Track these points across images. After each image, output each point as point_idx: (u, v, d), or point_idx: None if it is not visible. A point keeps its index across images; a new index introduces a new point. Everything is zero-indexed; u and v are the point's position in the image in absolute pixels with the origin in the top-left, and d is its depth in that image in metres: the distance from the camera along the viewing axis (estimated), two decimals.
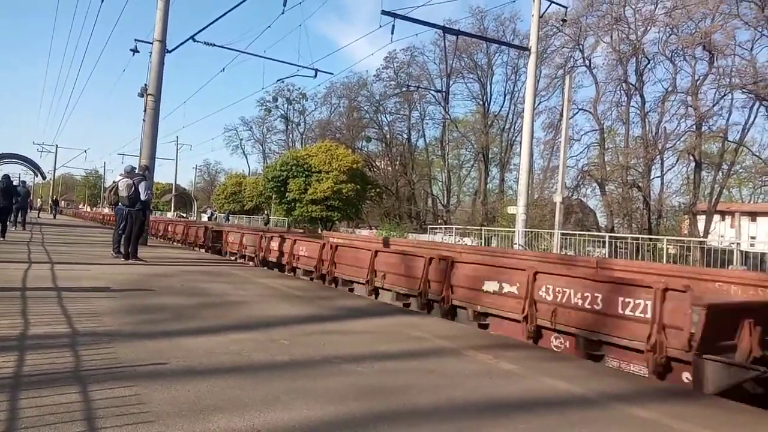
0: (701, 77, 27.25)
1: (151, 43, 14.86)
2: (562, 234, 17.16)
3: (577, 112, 32.11)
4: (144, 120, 14.54)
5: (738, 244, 20.54)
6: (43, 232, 18.63)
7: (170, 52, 15.36)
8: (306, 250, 9.78)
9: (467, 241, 22.50)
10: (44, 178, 54.31)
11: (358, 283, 7.88)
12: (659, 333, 3.91)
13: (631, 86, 30.08)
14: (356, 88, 49.47)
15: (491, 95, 43.77)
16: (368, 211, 44.91)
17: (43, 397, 2.48)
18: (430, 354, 3.96)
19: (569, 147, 28.26)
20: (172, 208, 57.11)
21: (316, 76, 18.38)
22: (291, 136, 60.86)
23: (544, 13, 17.07)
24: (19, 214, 19.05)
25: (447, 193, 46.99)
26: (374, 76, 46.48)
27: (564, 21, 23.52)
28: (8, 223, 14.61)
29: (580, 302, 4.57)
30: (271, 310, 5.48)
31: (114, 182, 10.32)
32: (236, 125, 66.50)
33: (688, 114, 27.64)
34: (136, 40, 16.88)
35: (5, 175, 13.99)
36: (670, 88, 28.73)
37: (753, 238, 35.11)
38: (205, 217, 45.60)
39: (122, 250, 9.82)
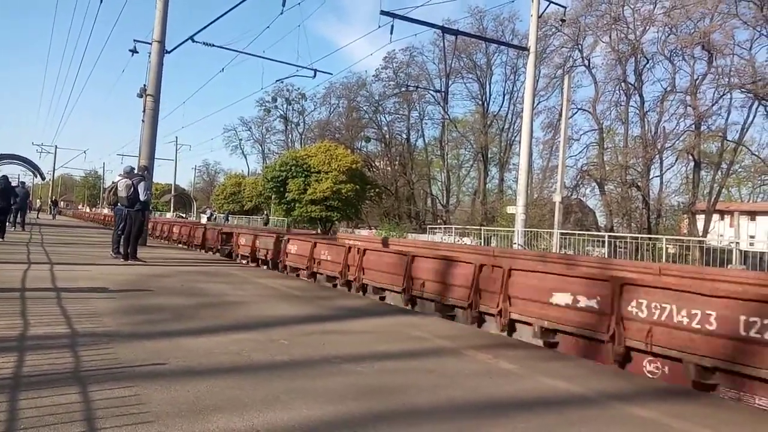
0: (700, 77, 27.31)
1: (150, 44, 14.86)
2: (562, 233, 17.16)
3: (576, 112, 32.21)
4: (143, 120, 14.54)
5: (737, 243, 20.55)
6: (43, 232, 18.61)
7: (169, 52, 15.36)
8: (329, 254, 9.07)
9: (467, 240, 22.50)
10: (43, 178, 54.29)
11: (392, 291, 7.23)
12: None
13: (630, 86, 30.11)
14: (355, 89, 49.51)
15: (490, 95, 43.89)
16: (368, 211, 44.89)
17: (43, 397, 2.48)
18: (430, 354, 3.96)
19: (568, 147, 28.32)
20: (172, 209, 57.08)
21: (315, 76, 18.43)
22: (290, 136, 60.90)
23: (543, 13, 17.08)
24: (18, 215, 19.04)
25: (446, 193, 46.99)
26: (373, 76, 46.53)
27: (563, 21, 23.54)
28: (7, 223, 14.60)
29: (686, 321, 3.88)
30: (271, 310, 5.48)
31: (113, 183, 10.31)
32: (235, 125, 66.66)
33: (687, 113, 27.70)
34: (135, 40, 16.92)
35: (3, 175, 14.00)
36: (669, 88, 28.81)
37: (752, 237, 35.16)
38: (204, 218, 45.53)
39: (121, 250, 9.81)
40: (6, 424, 2.17)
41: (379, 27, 14.62)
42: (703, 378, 3.81)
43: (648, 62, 29.36)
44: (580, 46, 32.08)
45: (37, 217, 35.93)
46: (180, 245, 17.94)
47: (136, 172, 10.61)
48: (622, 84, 30.31)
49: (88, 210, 70.36)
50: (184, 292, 6.35)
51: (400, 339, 4.43)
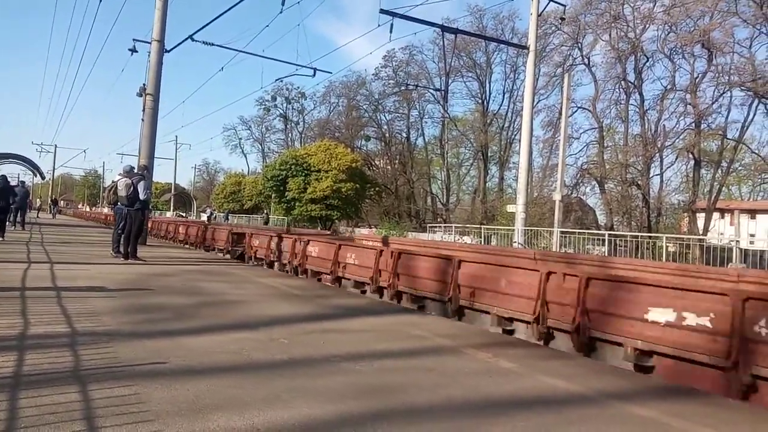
0: (700, 75, 27.31)
1: (150, 43, 14.84)
2: (562, 232, 17.17)
3: (576, 111, 32.21)
4: (143, 120, 14.53)
5: (737, 241, 20.53)
6: (43, 232, 18.61)
7: (169, 51, 15.35)
8: (357, 258, 8.35)
9: (467, 239, 22.50)
10: (43, 178, 54.33)
11: (434, 300, 6.55)
12: None
13: (630, 84, 30.11)
14: (355, 87, 49.52)
15: (490, 94, 43.86)
16: (367, 210, 44.93)
17: (43, 396, 2.48)
18: (430, 352, 3.96)
19: (568, 145, 28.34)
20: (172, 208, 57.10)
21: (314, 75, 18.43)
22: (290, 135, 60.91)
23: (542, 11, 17.08)
24: (18, 214, 19.05)
25: (446, 192, 46.99)
26: (373, 75, 46.61)
27: (563, 19, 23.49)
28: (7, 222, 14.60)
29: None
30: (271, 309, 5.48)
31: (113, 182, 10.31)
32: (235, 124, 66.65)
33: (687, 112, 27.68)
34: (134, 39, 16.89)
35: (2, 175, 14.00)
36: (669, 86, 28.80)
37: (752, 235, 35.17)
38: (204, 217, 45.55)
39: (122, 249, 9.82)
40: (6, 423, 2.17)
41: (379, 26, 14.65)
42: None
43: (648, 60, 29.38)
44: (579, 45, 32.10)
45: (37, 217, 35.93)
46: (182, 245, 17.91)
47: (135, 171, 10.61)
48: (622, 82, 30.30)
49: (88, 209, 70.35)
50: (184, 291, 6.35)
51: (400, 338, 4.43)
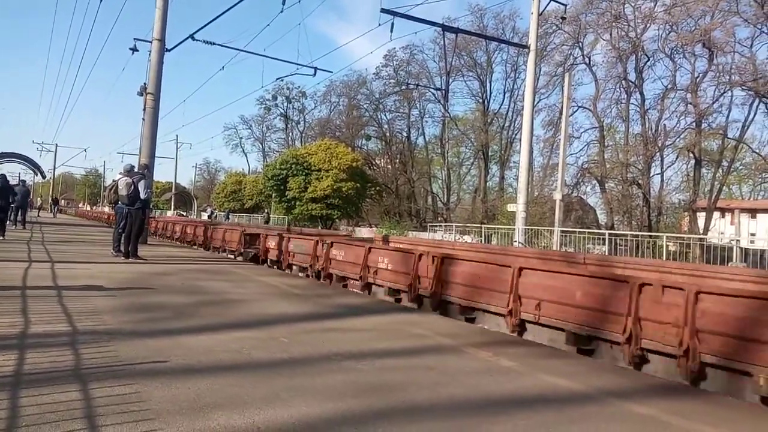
0: (701, 74, 27.25)
1: (150, 42, 14.84)
2: (562, 231, 17.17)
3: (576, 110, 32.15)
4: (143, 119, 14.54)
5: (738, 241, 20.52)
6: (43, 231, 18.62)
7: (169, 50, 15.35)
8: (389, 262, 7.68)
9: (467, 238, 22.50)
10: (44, 177, 54.40)
11: (488, 312, 5.80)
12: None
13: (630, 83, 30.06)
14: (356, 87, 49.43)
15: (491, 93, 43.72)
16: (368, 209, 44.91)
17: (44, 395, 2.49)
18: (431, 351, 3.96)
19: (569, 144, 28.31)
20: (172, 207, 57.13)
21: (315, 74, 18.40)
22: (291, 134, 60.84)
23: (543, 10, 17.07)
24: (19, 213, 19.06)
25: (447, 191, 46.95)
26: (374, 74, 46.42)
27: (563, 18, 23.50)
28: (8, 222, 14.61)
29: None
30: (271, 308, 5.48)
31: (114, 181, 10.33)
32: (236, 124, 66.46)
33: (687, 111, 27.64)
34: (135, 39, 16.86)
35: (2, 174, 14.00)
36: (669, 86, 28.75)
37: (753, 235, 35.15)
38: (204, 216, 45.57)
39: (122, 248, 9.83)
40: (7, 422, 2.17)
41: (380, 25, 14.65)
42: None
43: (648, 60, 29.33)
44: (580, 44, 32.05)
45: (38, 216, 35.93)
46: (187, 244, 17.90)
47: (136, 170, 10.60)
48: (623, 82, 30.26)
49: (89, 208, 70.38)
50: (184, 290, 6.35)
51: (401, 337, 4.43)
